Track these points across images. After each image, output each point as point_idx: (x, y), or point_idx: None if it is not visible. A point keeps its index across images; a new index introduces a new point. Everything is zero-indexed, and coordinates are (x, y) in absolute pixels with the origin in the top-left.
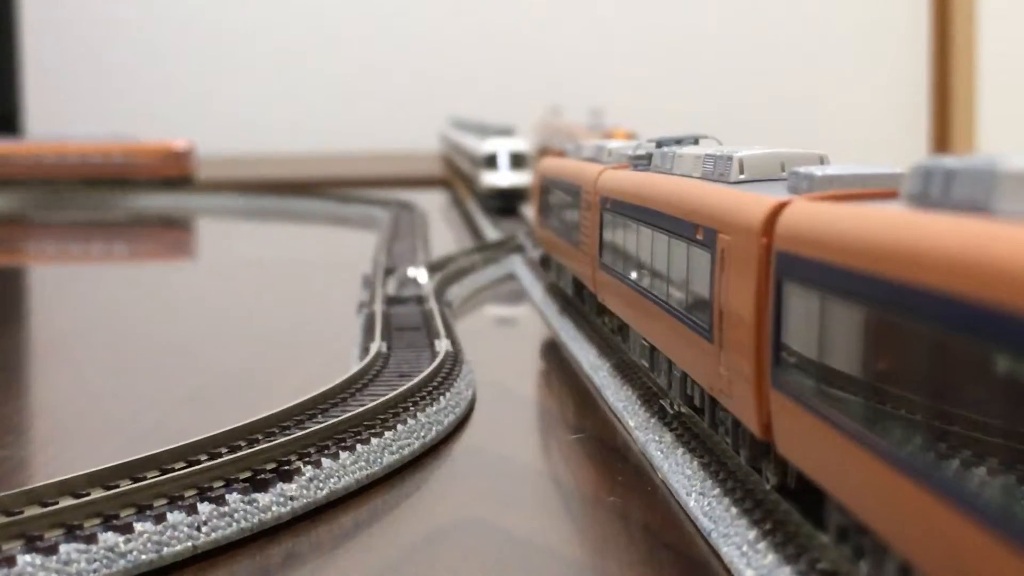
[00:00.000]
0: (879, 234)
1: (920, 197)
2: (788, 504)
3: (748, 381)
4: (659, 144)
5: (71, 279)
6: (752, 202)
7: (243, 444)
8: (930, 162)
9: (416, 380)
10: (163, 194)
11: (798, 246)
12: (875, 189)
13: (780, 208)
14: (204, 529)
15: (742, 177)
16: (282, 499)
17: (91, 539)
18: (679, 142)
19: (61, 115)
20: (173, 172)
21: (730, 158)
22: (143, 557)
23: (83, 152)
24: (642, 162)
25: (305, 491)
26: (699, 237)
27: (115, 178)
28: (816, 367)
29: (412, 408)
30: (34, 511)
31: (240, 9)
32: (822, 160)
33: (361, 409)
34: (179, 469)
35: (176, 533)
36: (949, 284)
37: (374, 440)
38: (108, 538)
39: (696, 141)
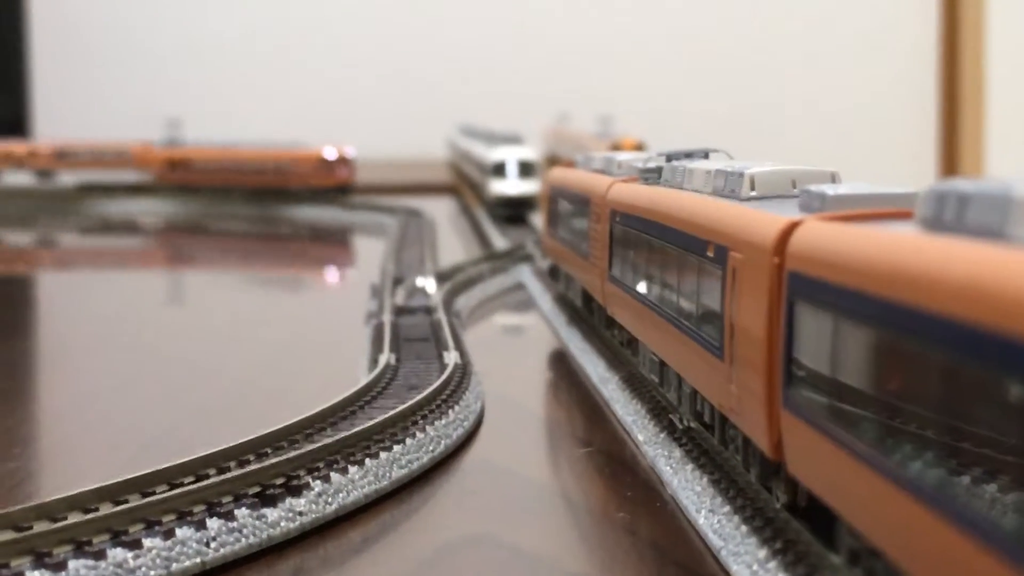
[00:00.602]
0: (891, 257)
1: (933, 221)
2: (799, 523)
3: (758, 400)
4: (669, 158)
5: (77, 288)
6: (764, 221)
7: (252, 458)
8: (944, 186)
9: (425, 393)
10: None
11: (810, 267)
12: (888, 209)
13: (792, 228)
14: (213, 545)
15: (753, 194)
16: (291, 514)
17: (100, 555)
18: (689, 156)
19: (69, 118)
20: (327, 181)
21: (741, 174)
22: (152, 573)
23: (259, 159)
24: (652, 175)
25: (314, 506)
26: (710, 254)
27: (275, 187)
28: (827, 388)
29: (421, 421)
30: (43, 526)
31: (246, 14)
32: (833, 178)
33: (370, 423)
34: (188, 484)
35: (185, 549)
36: (961, 310)
37: (383, 454)
38: (117, 554)
39: (706, 155)
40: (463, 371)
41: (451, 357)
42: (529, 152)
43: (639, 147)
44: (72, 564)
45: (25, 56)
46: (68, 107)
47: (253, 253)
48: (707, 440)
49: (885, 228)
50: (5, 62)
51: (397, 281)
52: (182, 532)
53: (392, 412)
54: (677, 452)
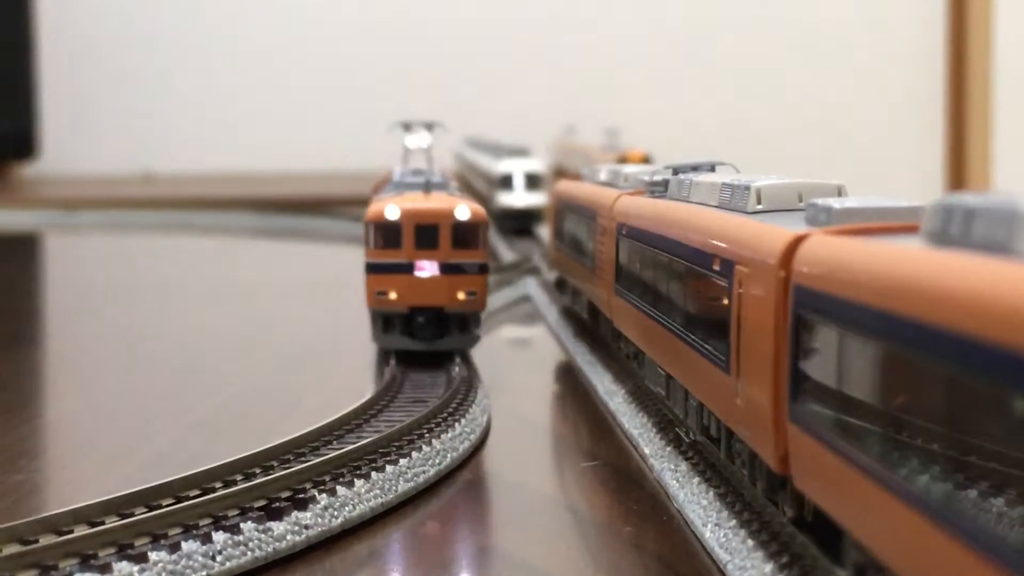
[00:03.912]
0: (897, 271)
1: (940, 235)
2: (805, 538)
3: (765, 414)
4: (676, 171)
5: (84, 299)
6: (770, 234)
7: (258, 472)
8: (951, 200)
9: (431, 407)
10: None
11: (816, 280)
12: (894, 223)
13: (798, 241)
14: (219, 559)
15: (759, 207)
16: (297, 528)
17: (105, 568)
18: (696, 169)
19: (77, 133)
20: None
21: (747, 188)
22: None
23: None
24: (658, 189)
25: (320, 519)
26: (716, 268)
27: None
28: (833, 402)
29: (427, 435)
30: (49, 540)
31: (254, 29)
32: (839, 191)
33: (376, 436)
34: (194, 497)
35: (191, 563)
36: (967, 324)
37: (389, 468)
38: (123, 568)
39: (713, 168)
40: (469, 384)
41: (457, 370)
42: (536, 164)
43: (646, 160)
44: None
45: (33, 75)
46: (75, 125)
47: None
48: (713, 454)
49: (891, 242)
50: (12, 81)
51: None
52: (188, 546)
53: (398, 425)
54: (683, 465)
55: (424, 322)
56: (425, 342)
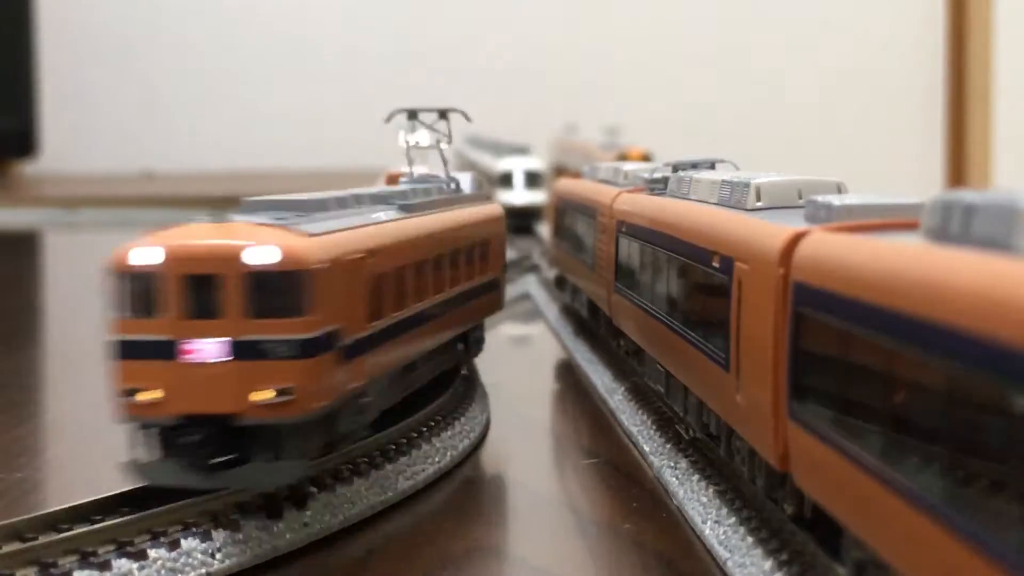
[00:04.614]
0: (897, 268)
1: (939, 231)
2: (805, 535)
3: (765, 412)
4: (675, 168)
5: (84, 298)
6: (770, 232)
7: None
8: (950, 196)
9: (431, 405)
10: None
11: (816, 277)
12: (894, 220)
13: (798, 238)
14: (219, 556)
15: (759, 204)
16: (296, 526)
17: (105, 566)
18: (695, 166)
19: (77, 132)
20: None
21: (747, 185)
22: None
23: None
24: (658, 186)
25: (319, 517)
26: (716, 265)
27: None
28: (833, 400)
29: (427, 433)
30: (48, 537)
31: (254, 28)
32: (839, 188)
33: (376, 434)
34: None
35: (191, 560)
36: (967, 321)
37: (388, 466)
38: (122, 565)
39: (712, 165)
40: (469, 382)
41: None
42: (536, 162)
43: (646, 158)
44: (77, 574)
45: (33, 73)
46: (75, 124)
47: None
48: (713, 451)
49: (891, 239)
50: (13, 79)
51: None
52: (187, 543)
53: (398, 424)
54: (683, 463)
55: (200, 441)
56: (202, 475)
